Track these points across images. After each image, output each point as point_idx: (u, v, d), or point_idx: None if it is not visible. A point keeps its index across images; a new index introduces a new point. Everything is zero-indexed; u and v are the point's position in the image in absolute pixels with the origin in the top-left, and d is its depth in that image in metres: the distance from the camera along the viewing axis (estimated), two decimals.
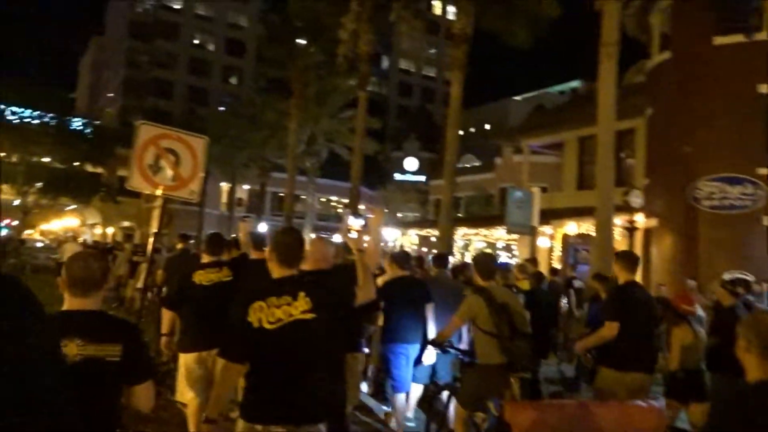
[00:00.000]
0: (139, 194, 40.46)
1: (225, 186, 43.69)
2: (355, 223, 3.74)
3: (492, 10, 11.57)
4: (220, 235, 5.00)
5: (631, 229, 11.44)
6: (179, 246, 10.27)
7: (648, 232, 13.65)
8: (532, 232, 12.20)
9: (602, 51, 8.47)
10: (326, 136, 24.73)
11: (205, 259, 4.79)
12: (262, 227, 37.23)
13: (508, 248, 24.13)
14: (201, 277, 4.58)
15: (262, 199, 32.93)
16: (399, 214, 42.68)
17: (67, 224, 44.98)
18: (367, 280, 3.17)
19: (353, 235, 3.51)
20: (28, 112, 32.28)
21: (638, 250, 12.65)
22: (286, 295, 2.74)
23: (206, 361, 4.55)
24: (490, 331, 4.41)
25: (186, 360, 4.55)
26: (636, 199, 11.65)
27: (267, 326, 2.65)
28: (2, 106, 31.14)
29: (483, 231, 19.74)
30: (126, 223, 44.60)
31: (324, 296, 2.82)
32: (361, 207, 53.84)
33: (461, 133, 64.60)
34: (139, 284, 13.36)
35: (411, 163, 52.03)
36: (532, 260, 8.94)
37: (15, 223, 35.26)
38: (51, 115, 32.69)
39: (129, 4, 60.63)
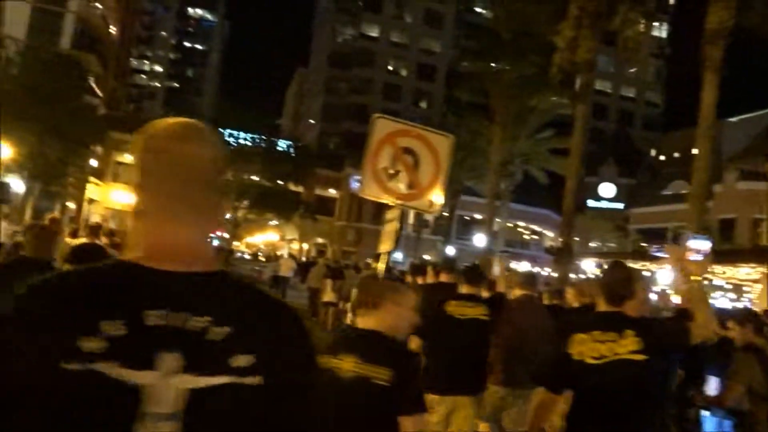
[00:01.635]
0: (333, 213, 42.53)
1: None
2: (699, 245, 2.90)
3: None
4: (478, 267, 4.31)
5: None
6: (374, 265, 10.22)
7: None
8: None
9: None
10: (523, 157, 23.41)
11: (463, 289, 4.13)
12: (450, 251, 36.54)
13: (737, 289, 20.59)
14: (454, 309, 4.01)
15: (450, 223, 32.33)
16: (592, 244, 39.52)
17: (268, 238, 48.75)
18: (707, 314, 2.70)
19: (696, 257, 2.87)
20: (242, 135, 35.51)
21: None
22: (611, 331, 2.59)
23: (446, 407, 3.81)
24: (764, 395, 3.92)
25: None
26: None
27: (589, 360, 2.55)
28: (221, 130, 34.51)
29: (715, 268, 16.87)
30: (320, 240, 47.13)
31: (657, 338, 2.60)
32: (550, 234, 50.77)
33: (662, 158, 58.54)
34: (326, 298, 13.57)
35: (607, 189, 48.34)
36: None
37: (226, 235, 38.86)
38: (261, 137, 35.58)
39: (331, 37, 65.10)
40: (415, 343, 4.06)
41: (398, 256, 42.45)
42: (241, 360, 0.88)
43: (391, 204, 3.48)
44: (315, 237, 46.20)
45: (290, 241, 48.79)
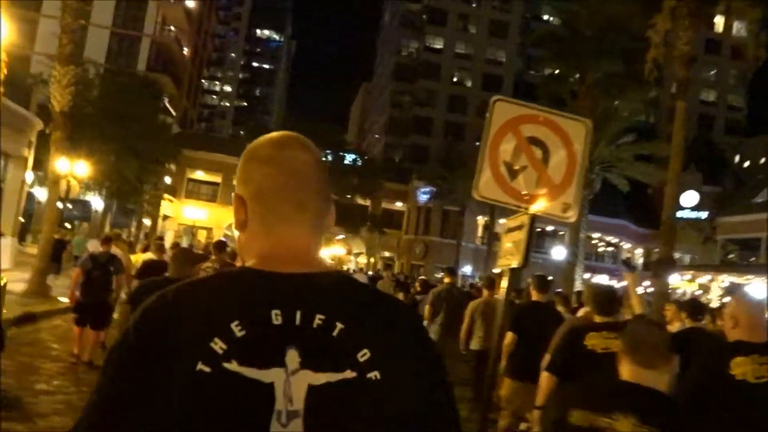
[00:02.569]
0: (400, 226, 42.09)
1: (480, 219, 43.03)
2: None
3: None
4: (612, 290, 3.59)
5: None
6: (446, 280, 9.57)
7: None
8: None
9: None
10: (604, 165, 22.07)
11: (597, 318, 3.53)
12: None
13: None
14: (596, 342, 3.31)
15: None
16: (676, 255, 37.23)
17: (335, 252, 48.73)
18: None
19: None
20: None
21: None
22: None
23: None
24: None
25: None
26: None
27: (753, 381, 2.49)
28: None
29: None
30: (387, 254, 46.65)
31: None
32: (627, 245, 48.07)
33: (747, 164, 55.23)
34: None
35: (690, 197, 45.59)
36: None
37: None
38: (327, 151, 35.62)
39: (395, 50, 65.09)
40: (546, 383, 3.45)
41: (467, 269, 41.43)
42: (359, 355, 0.89)
43: (515, 208, 2.76)
44: (382, 251, 45.77)
45: (357, 255, 48.53)
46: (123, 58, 36.13)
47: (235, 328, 0.86)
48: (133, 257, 9.42)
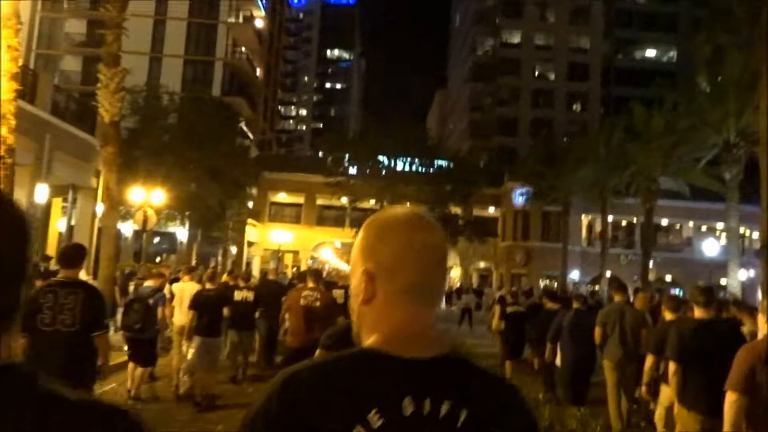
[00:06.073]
0: (495, 233, 38.71)
1: (585, 219, 39.08)
2: None
3: None
4: None
5: None
6: (617, 298, 7.70)
7: None
8: None
9: None
10: (751, 138, 18.28)
11: None
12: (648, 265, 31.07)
13: None
14: None
15: (648, 231, 26.69)
16: None
17: None
18: None
19: None
20: (393, 159, 33.50)
21: None
22: None
23: None
24: None
25: None
26: None
27: None
28: (380, 158, 32.81)
29: None
30: (482, 264, 43.41)
31: None
32: None
33: None
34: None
35: None
36: None
37: None
38: (411, 158, 33.31)
39: (470, 50, 62.20)
40: None
41: (575, 275, 37.51)
42: None
43: None
44: (477, 261, 42.60)
45: (449, 267, 45.63)
46: (198, 84, 35.52)
47: (374, 416, 0.91)
48: (175, 286, 9.17)
